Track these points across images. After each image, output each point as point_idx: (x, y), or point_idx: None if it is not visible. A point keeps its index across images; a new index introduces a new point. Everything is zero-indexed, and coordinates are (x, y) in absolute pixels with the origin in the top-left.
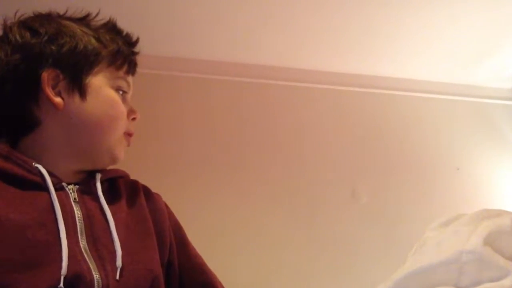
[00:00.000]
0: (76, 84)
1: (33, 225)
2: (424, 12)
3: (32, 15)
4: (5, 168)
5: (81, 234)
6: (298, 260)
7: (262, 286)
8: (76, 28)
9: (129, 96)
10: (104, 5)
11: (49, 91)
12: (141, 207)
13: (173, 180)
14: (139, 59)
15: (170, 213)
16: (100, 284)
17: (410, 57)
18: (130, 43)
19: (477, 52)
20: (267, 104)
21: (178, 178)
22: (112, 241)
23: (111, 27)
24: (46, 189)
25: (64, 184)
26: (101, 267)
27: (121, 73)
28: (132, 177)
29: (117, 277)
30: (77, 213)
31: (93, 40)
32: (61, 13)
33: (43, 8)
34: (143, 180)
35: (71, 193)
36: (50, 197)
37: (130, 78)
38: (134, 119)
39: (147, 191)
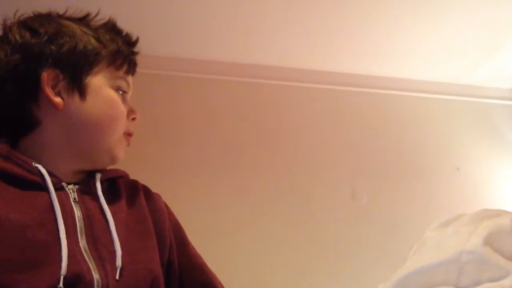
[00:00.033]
0: (76, 84)
1: (33, 225)
2: (422, 11)
3: (31, 15)
4: (5, 168)
5: (81, 234)
6: (297, 260)
7: (262, 286)
8: (76, 28)
9: (129, 96)
10: (104, 5)
11: (49, 91)
12: (141, 207)
13: (172, 180)
14: (138, 59)
15: (170, 213)
16: (100, 284)
17: (410, 57)
18: (129, 43)
19: (477, 52)
20: (266, 104)
21: (178, 178)
22: (112, 241)
23: (111, 27)
24: (46, 189)
25: (64, 184)
26: (101, 267)
27: (121, 73)
28: (132, 177)
29: (117, 277)
30: (77, 213)
31: (92, 40)
32: (61, 13)
33: (42, 8)
34: (142, 180)
35: (71, 193)
36: (50, 197)
37: (130, 78)
38: (134, 119)
39: (147, 191)
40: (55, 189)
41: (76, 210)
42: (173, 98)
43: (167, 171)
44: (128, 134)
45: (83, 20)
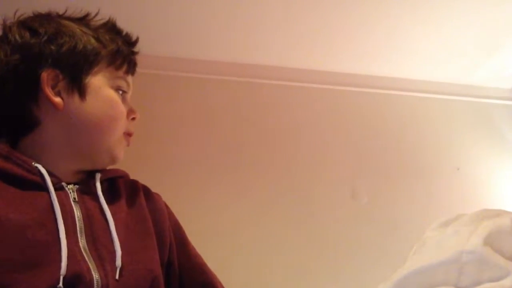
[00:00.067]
0: (76, 84)
1: (33, 225)
2: (422, 11)
3: (31, 15)
4: (5, 168)
5: (81, 234)
6: (297, 260)
7: (262, 286)
8: (76, 28)
9: (128, 96)
10: (104, 5)
11: (48, 91)
12: (141, 207)
13: (172, 180)
14: (138, 59)
15: (170, 213)
16: (100, 284)
17: (410, 57)
18: (129, 42)
19: (477, 52)
20: (266, 104)
21: (178, 178)
22: (111, 241)
23: (111, 27)
24: (46, 189)
25: (63, 184)
26: (101, 267)
27: (121, 73)
28: (132, 177)
29: (117, 277)
30: (77, 213)
31: (92, 40)
32: (61, 13)
33: (42, 8)
34: (142, 180)
35: (70, 193)
36: (50, 197)
37: (129, 78)
38: (133, 119)
39: (147, 191)
40: (55, 189)
41: (76, 210)
42: (173, 98)
43: (167, 171)
44: (128, 134)
45: (83, 20)
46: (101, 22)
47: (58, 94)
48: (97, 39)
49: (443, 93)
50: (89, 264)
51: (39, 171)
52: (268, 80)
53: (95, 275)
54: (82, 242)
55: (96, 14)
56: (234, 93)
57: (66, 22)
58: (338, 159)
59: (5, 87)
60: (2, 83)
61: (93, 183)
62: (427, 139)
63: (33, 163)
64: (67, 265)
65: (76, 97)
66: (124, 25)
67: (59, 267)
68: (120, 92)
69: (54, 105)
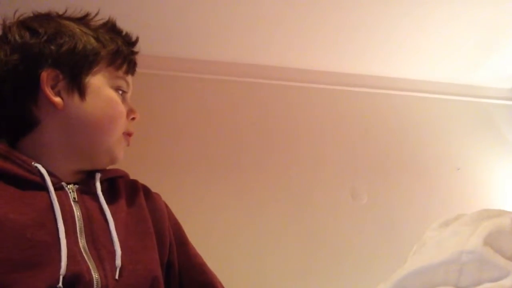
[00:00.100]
0: (76, 84)
1: (32, 225)
2: (422, 11)
3: (31, 15)
4: (5, 168)
5: (81, 234)
6: (297, 260)
7: (262, 286)
8: (76, 28)
9: (128, 96)
10: (104, 5)
11: (48, 91)
12: (141, 206)
13: (172, 179)
14: (138, 59)
15: (170, 213)
16: (99, 284)
17: (410, 57)
18: (129, 42)
19: (477, 52)
20: (266, 104)
21: (178, 178)
22: (111, 241)
23: (111, 27)
24: (46, 189)
25: (63, 183)
26: (101, 267)
27: (121, 72)
28: (132, 177)
29: (117, 276)
30: (77, 213)
31: (92, 40)
32: (61, 13)
33: (42, 8)
34: (142, 180)
35: (70, 192)
36: (50, 197)
37: (129, 78)
38: (133, 119)
39: (146, 191)
40: (55, 189)
41: (76, 210)
42: (173, 98)
43: (167, 171)
44: (127, 134)
45: (83, 20)
46: (101, 22)
47: (58, 94)
48: (97, 39)
49: (443, 93)
50: (89, 264)
51: (38, 171)
52: (268, 80)
53: (95, 275)
54: (82, 242)
55: (96, 14)
56: (234, 93)
57: (66, 22)
58: (338, 159)
59: (4, 87)
60: (2, 83)
61: (93, 183)
62: (427, 139)
63: (33, 163)
64: (67, 265)
65: (76, 97)
66: (124, 25)
67: (59, 267)
68: (120, 92)
69: (54, 105)
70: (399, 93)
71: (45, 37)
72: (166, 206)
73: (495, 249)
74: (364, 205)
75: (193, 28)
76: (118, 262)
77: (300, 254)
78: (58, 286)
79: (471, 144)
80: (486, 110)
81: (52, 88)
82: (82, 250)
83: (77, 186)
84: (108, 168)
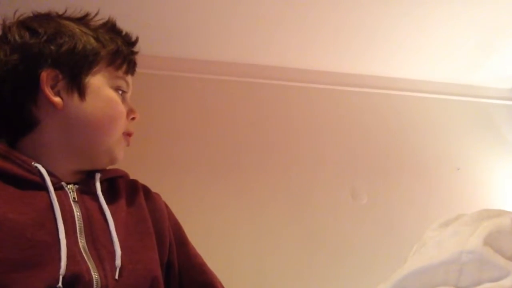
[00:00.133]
0: (75, 84)
1: (32, 224)
2: (422, 11)
3: (31, 15)
4: (4, 168)
5: (80, 234)
6: (298, 260)
7: (262, 286)
8: (75, 28)
9: (128, 96)
10: (103, 5)
11: (48, 91)
12: (141, 206)
13: (172, 179)
14: (137, 59)
15: (170, 213)
16: (99, 284)
17: (409, 57)
18: (129, 42)
19: (477, 52)
20: (266, 104)
21: (178, 178)
22: (111, 241)
23: (110, 27)
24: (45, 189)
25: (63, 183)
26: (100, 267)
27: (120, 72)
28: (132, 177)
29: (116, 276)
30: (76, 213)
31: (92, 40)
32: (60, 13)
33: (42, 8)
34: (142, 180)
35: (70, 192)
36: (49, 197)
37: (129, 78)
38: (133, 119)
39: (146, 191)
40: (55, 189)
41: (76, 210)
42: (173, 98)
43: (167, 171)
44: (127, 134)
45: (83, 20)
46: (101, 22)
47: (58, 94)
48: (97, 39)
49: (443, 93)
50: (89, 264)
51: (38, 171)
52: (268, 80)
53: (95, 275)
54: (81, 242)
55: (96, 14)
56: (234, 93)
57: (66, 22)
58: (338, 159)
59: (4, 87)
60: (2, 83)
61: (92, 183)
62: (427, 139)
63: (32, 163)
64: (67, 265)
65: (75, 97)
66: (124, 25)
67: (59, 267)
68: (120, 92)
69: (53, 105)
70: (399, 93)
71: (45, 37)
72: (166, 206)
73: (495, 249)
74: (364, 205)
75: (193, 28)
76: (118, 262)
77: (300, 254)
78: (57, 286)
79: (471, 144)
80: (486, 110)
81: (52, 88)
82: (82, 250)
83: (77, 186)
84: (108, 168)
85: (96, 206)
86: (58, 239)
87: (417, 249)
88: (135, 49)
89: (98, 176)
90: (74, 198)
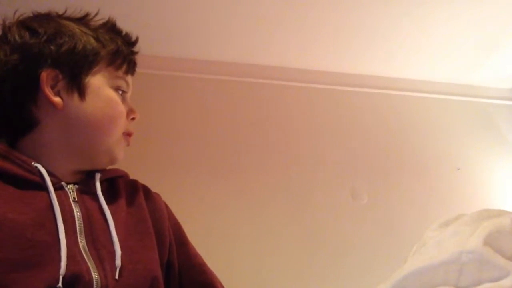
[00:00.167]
0: (75, 84)
1: (32, 224)
2: (422, 11)
3: (31, 15)
4: (4, 168)
5: (80, 234)
6: (298, 260)
7: (262, 286)
8: (75, 28)
9: (128, 95)
10: (103, 5)
11: (48, 91)
12: (141, 206)
13: (172, 179)
14: (137, 59)
15: (170, 213)
16: (99, 284)
17: (409, 57)
18: (129, 42)
19: (477, 52)
20: (266, 104)
21: (178, 178)
22: (111, 241)
23: (110, 27)
24: (45, 189)
25: (63, 183)
26: (100, 267)
27: (120, 72)
28: (132, 177)
29: (116, 276)
30: (76, 212)
31: (92, 40)
32: (60, 13)
33: (42, 8)
34: (142, 180)
35: (70, 192)
36: (49, 197)
37: (129, 78)
38: (133, 119)
39: (146, 191)
40: (55, 189)
41: (76, 210)
42: (173, 98)
43: (167, 171)
44: (127, 134)
45: (83, 20)
46: (101, 22)
47: (58, 94)
48: (97, 39)
49: (443, 93)
50: (89, 264)
51: (38, 171)
52: (268, 80)
53: (95, 275)
54: (81, 242)
55: (96, 14)
56: (234, 93)
57: (66, 22)
58: (338, 159)
59: (4, 87)
60: (2, 83)
61: (92, 183)
62: (427, 139)
63: (32, 163)
64: (67, 265)
65: (75, 97)
66: (124, 25)
67: (59, 267)
68: (120, 92)
69: (53, 105)
70: (399, 93)
71: (44, 37)
72: (166, 206)
73: (495, 249)
74: (364, 205)
75: (193, 28)
76: (118, 262)
77: (300, 254)
78: (57, 286)
79: (471, 144)
80: (486, 110)
81: (52, 88)
82: (82, 250)
83: (77, 186)
84: (108, 168)
85: (96, 206)
86: (58, 239)
87: (417, 249)
88: (135, 49)
89: (98, 176)
90: (74, 198)
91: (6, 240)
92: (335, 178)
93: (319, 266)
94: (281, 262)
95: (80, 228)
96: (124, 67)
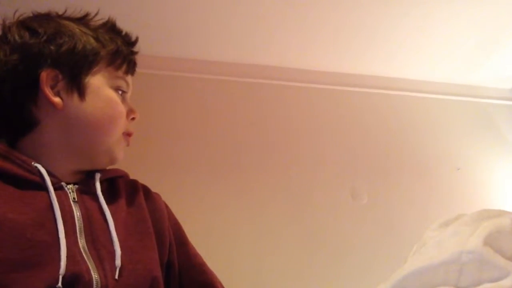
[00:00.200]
0: (75, 84)
1: (32, 224)
2: (423, 10)
3: (31, 15)
4: (4, 168)
5: (80, 234)
6: (298, 260)
7: (262, 286)
8: (75, 28)
9: (128, 96)
10: (103, 5)
11: (48, 91)
12: (141, 206)
13: (172, 179)
14: (137, 59)
15: (170, 213)
16: (99, 284)
17: (409, 57)
18: (129, 42)
19: (477, 52)
20: (266, 104)
21: (178, 178)
22: (111, 241)
23: (110, 27)
24: (45, 189)
25: (63, 183)
26: (100, 267)
27: (120, 72)
28: (132, 177)
29: (116, 276)
30: (76, 213)
31: (92, 40)
32: (60, 13)
33: (42, 8)
34: (142, 180)
35: (70, 192)
36: (49, 197)
37: (129, 78)
38: (133, 119)
39: (146, 191)
40: (55, 189)
41: (76, 210)
42: (173, 98)
43: (167, 171)
44: (127, 134)
45: (83, 20)
46: (101, 22)
47: (58, 94)
48: (97, 39)
49: (443, 93)
50: (89, 264)
51: (38, 171)
52: (268, 80)
53: (94, 275)
54: (81, 242)
55: (96, 14)
56: (234, 93)
57: (66, 22)
58: (338, 159)
59: (4, 87)
60: (2, 83)
61: (92, 183)
62: (427, 139)
63: (32, 163)
64: (66, 265)
65: (75, 97)
66: (124, 25)
67: (58, 267)
68: (120, 92)
69: (53, 105)
70: (399, 93)
71: (44, 37)
72: (166, 206)
73: (495, 249)
74: (364, 205)
75: (193, 28)
76: (118, 262)
77: (300, 254)
78: (57, 286)
79: (471, 144)
80: (486, 110)
81: (52, 88)
82: (82, 250)
83: (76, 186)
84: (108, 168)
85: (96, 206)
86: (58, 239)
87: (417, 249)
88: (135, 49)
89: (98, 176)
90: (74, 198)
91: (6, 240)
92: (335, 178)
93: (319, 266)
94: (281, 262)
95: (80, 228)
96: (124, 67)
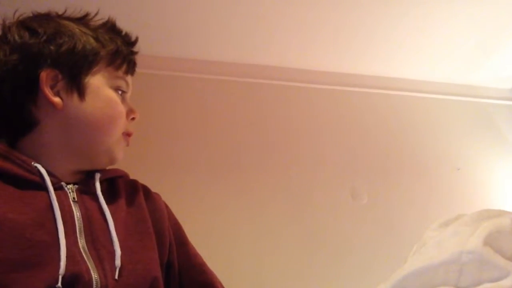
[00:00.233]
0: (75, 84)
1: (32, 224)
2: (422, 10)
3: (31, 15)
4: (4, 168)
5: (80, 234)
6: (298, 260)
7: (262, 286)
8: (75, 28)
9: (128, 96)
10: (103, 5)
11: (47, 91)
12: (141, 206)
13: (172, 180)
14: (137, 59)
15: (170, 213)
16: (99, 284)
17: (409, 57)
18: (129, 42)
19: (477, 52)
20: (266, 104)
21: (178, 178)
22: (111, 241)
23: (110, 27)
24: (45, 189)
25: (63, 183)
26: (100, 267)
27: (120, 72)
28: (132, 177)
29: (116, 276)
30: (76, 213)
31: (91, 40)
32: (60, 13)
33: (42, 8)
34: (142, 180)
35: (70, 192)
36: (49, 197)
37: (129, 78)
38: (133, 119)
39: (146, 191)
40: (54, 189)
41: (75, 210)
42: (173, 98)
43: (167, 171)
44: (127, 134)
45: (82, 20)
46: (101, 22)
47: (57, 94)
48: (97, 39)
49: (443, 93)
50: (88, 264)
51: (38, 170)
52: (268, 80)
53: (94, 275)
54: (81, 242)
55: (96, 14)
56: (234, 93)
57: (66, 22)
58: (338, 159)
59: (4, 87)
60: (1, 83)
61: (92, 183)
62: (427, 139)
63: (32, 163)
64: (66, 265)
65: (75, 97)
66: (124, 25)
67: (58, 267)
68: (120, 92)
69: (53, 105)
70: (399, 93)
71: (44, 37)
72: (166, 206)
73: (495, 249)
74: (364, 205)
75: (193, 28)
76: (118, 262)
77: (300, 254)
78: (57, 286)
79: (471, 144)
80: (486, 110)
81: (52, 88)
82: (82, 250)
83: (76, 186)
84: (108, 168)
85: (96, 206)
86: (57, 239)
87: (417, 249)
88: (135, 49)
89: (97, 176)
90: (73, 198)
91: (6, 240)
92: (335, 178)
93: (319, 266)
94: (281, 262)
95: (79, 228)
96: (124, 67)
